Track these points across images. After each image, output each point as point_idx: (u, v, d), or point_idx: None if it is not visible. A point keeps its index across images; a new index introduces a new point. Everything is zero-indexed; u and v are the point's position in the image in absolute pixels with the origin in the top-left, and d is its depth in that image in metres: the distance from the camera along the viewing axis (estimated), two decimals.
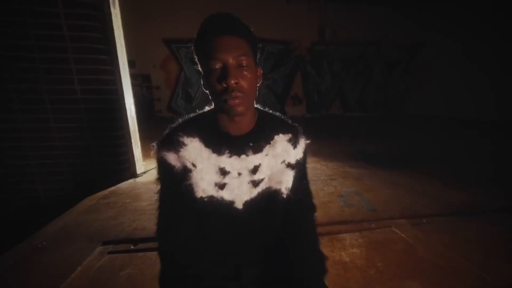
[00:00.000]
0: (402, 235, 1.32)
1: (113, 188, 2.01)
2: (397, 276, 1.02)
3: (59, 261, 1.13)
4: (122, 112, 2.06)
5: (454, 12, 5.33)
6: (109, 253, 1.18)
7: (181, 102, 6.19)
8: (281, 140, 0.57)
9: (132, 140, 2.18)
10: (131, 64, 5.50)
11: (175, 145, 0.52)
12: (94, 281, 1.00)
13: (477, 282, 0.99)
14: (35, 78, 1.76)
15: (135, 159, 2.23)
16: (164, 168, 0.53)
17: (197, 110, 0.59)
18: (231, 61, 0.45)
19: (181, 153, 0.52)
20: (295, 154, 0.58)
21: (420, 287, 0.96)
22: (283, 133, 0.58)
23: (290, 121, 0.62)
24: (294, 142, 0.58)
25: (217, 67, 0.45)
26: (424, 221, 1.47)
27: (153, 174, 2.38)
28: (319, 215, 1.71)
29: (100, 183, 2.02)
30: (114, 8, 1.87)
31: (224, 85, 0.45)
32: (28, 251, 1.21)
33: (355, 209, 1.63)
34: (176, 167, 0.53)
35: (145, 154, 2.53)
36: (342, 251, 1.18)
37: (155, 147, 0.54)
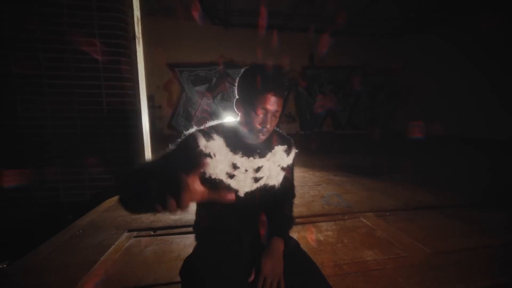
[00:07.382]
0: (367, 223, 1.66)
1: None
2: (357, 248, 1.35)
3: (95, 243, 1.42)
4: (139, 128, 2.44)
5: (428, 41, 6.11)
6: (135, 237, 1.47)
7: (181, 120, 6.60)
8: (279, 150, 0.78)
9: (145, 153, 2.53)
10: None
11: (207, 136, 0.68)
12: (126, 255, 1.30)
13: (416, 251, 1.32)
14: (70, 100, 2.16)
15: None
16: (190, 142, 0.65)
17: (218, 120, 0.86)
18: (270, 114, 0.67)
19: (209, 143, 0.67)
20: (287, 160, 0.80)
21: (372, 254, 1.29)
22: (281, 144, 0.79)
23: (285, 134, 0.84)
24: (288, 152, 0.80)
25: (261, 114, 0.67)
26: (387, 214, 1.82)
27: None
28: (304, 210, 2.06)
29: (115, 190, 2.32)
30: (139, 46, 2.35)
31: (262, 125, 0.68)
32: (67, 237, 1.49)
33: (334, 206, 1.97)
34: (199, 148, 0.65)
35: None
36: (318, 234, 1.51)
37: (192, 130, 0.69)
